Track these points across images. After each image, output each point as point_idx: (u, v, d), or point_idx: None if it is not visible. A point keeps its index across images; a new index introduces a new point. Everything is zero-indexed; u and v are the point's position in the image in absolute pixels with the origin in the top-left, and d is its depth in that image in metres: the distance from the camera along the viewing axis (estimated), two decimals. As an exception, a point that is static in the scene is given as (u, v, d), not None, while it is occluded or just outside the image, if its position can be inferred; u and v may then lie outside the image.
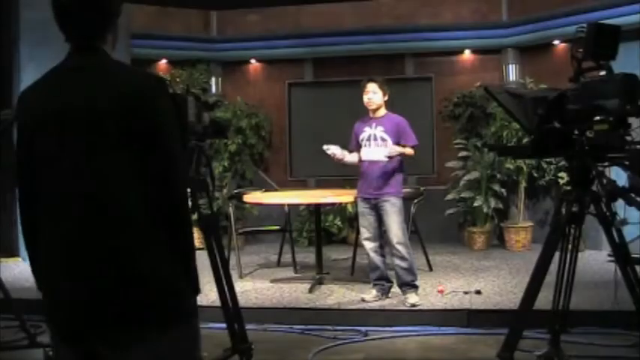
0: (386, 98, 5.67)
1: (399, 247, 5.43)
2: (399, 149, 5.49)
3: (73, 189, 1.91)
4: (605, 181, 3.15)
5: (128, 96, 1.92)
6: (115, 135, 1.89)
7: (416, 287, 5.55)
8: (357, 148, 5.72)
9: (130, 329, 1.89)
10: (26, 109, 2.06)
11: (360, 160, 5.65)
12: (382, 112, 5.66)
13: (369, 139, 5.61)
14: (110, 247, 1.89)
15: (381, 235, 5.60)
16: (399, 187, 5.57)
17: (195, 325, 2.04)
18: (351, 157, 5.73)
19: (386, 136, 5.55)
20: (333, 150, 5.70)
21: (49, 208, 1.95)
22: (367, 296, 5.66)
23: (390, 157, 5.46)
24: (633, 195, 3.06)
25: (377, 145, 5.56)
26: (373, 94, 5.61)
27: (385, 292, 5.67)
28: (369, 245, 5.61)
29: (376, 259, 5.61)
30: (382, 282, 5.67)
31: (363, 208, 5.62)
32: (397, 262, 5.49)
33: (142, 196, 1.91)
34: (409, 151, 5.58)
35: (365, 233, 5.63)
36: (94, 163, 1.90)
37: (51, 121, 1.95)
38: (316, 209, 6.63)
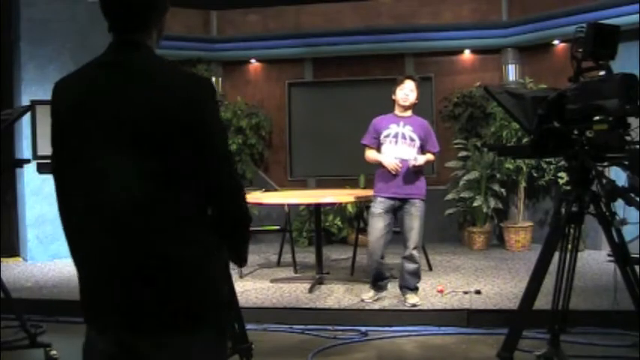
0: (417, 101, 5.58)
1: (414, 252, 5.38)
2: (424, 159, 5.45)
3: (114, 188, 1.83)
4: (604, 181, 3.15)
5: (173, 97, 1.83)
6: (156, 137, 1.81)
7: (417, 288, 5.56)
8: (376, 143, 5.58)
9: (168, 327, 1.86)
10: (58, 101, 1.97)
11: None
12: (410, 112, 5.57)
13: (395, 137, 5.49)
14: (154, 248, 1.84)
15: (391, 239, 5.52)
16: (424, 190, 5.48)
17: (226, 329, 2.05)
18: (381, 156, 5.51)
19: (415, 137, 5.46)
20: (391, 161, 5.43)
21: (88, 204, 1.88)
22: (366, 296, 5.65)
23: (414, 165, 5.37)
24: (633, 195, 3.06)
25: (405, 144, 5.46)
26: (410, 92, 5.51)
27: (382, 289, 5.66)
28: (376, 248, 5.44)
29: (378, 262, 5.52)
30: (379, 282, 5.65)
31: (381, 209, 5.44)
32: (407, 264, 5.43)
33: (189, 199, 1.86)
34: (432, 158, 5.59)
35: (376, 235, 5.43)
36: (136, 164, 1.82)
37: (87, 118, 1.87)
38: (316, 209, 6.63)
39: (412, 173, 5.42)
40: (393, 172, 5.39)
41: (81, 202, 1.89)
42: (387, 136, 5.51)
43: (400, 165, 5.38)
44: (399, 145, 5.48)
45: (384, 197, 5.46)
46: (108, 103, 1.85)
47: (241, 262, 2.07)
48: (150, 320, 1.86)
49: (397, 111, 5.58)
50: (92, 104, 1.87)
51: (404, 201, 5.42)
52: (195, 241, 1.88)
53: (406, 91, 5.52)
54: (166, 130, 1.81)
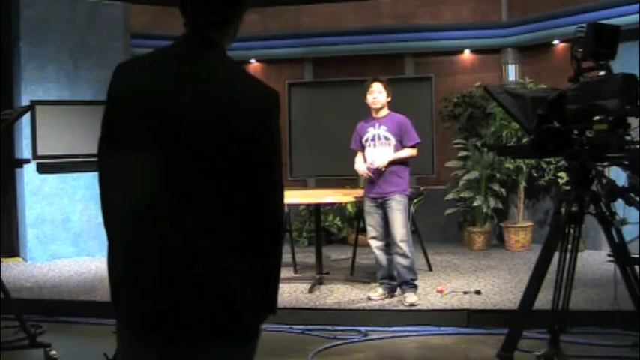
0: (389, 99, 5.70)
1: (402, 245, 5.46)
2: (394, 157, 5.53)
3: (165, 184, 1.76)
4: (604, 181, 3.15)
5: (242, 102, 1.76)
6: (216, 138, 1.74)
7: (415, 287, 5.57)
8: (361, 148, 5.74)
9: (205, 337, 1.80)
10: (119, 86, 1.85)
11: (365, 161, 5.66)
12: (385, 111, 5.69)
13: (373, 139, 5.64)
14: (202, 252, 1.76)
15: (388, 234, 5.60)
16: (404, 186, 5.60)
17: (256, 344, 1.94)
18: (356, 164, 5.73)
19: (389, 135, 5.59)
20: (360, 168, 5.67)
21: (135, 198, 1.79)
22: (373, 294, 5.68)
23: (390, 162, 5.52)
24: (633, 195, 3.06)
25: (381, 145, 5.60)
26: (378, 94, 5.65)
27: (391, 290, 5.68)
28: (375, 244, 5.64)
29: (382, 257, 5.64)
30: (388, 280, 5.68)
31: (369, 207, 5.66)
32: (399, 259, 5.51)
33: (232, 216, 1.77)
34: (406, 154, 5.61)
35: (371, 232, 5.66)
36: (194, 162, 1.74)
37: (149, 109, 1.77)
38: (316, 209, 6.64)
39: (391, 172, 5.54)
40: (367, 178, 5.61)
41: (128, 195, 1.80)
42: (367, 140, 5.69)
43: (369, 172, 5.55)
44: (377, 147, 5.63)
45: (369, 197, 5.69)
46: (173, 98, 1.76)
47: (273, 300, 1.93)
48: (201, 329, 1.79)
49: (373, 113, 5.72)
50: (157, 96, 1.78)
51: (385, 199, 5.55)
52: (241, 248, 1.79)
53: (374, 94, 5.66)
54: (228, 133, 1.74)
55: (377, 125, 5.65)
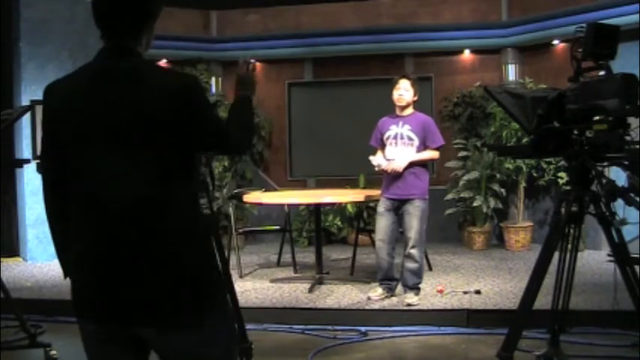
0: (416, 98, 5.59)
1: (413, 251, 5.39)
2: (416, 158, 5.44)
3: (111, 186, 1.97)
4: (604, 181, 3.15)
5: (167, 95, 1.97)
6: (149, 133, 1.96)
7: (418, 289, 5.55)
8: (381, 145, 5.63)
9: (172, 314, 1.97)
10: (52, 104, 2.07)
11: (386, 159, 5.55)
12: (410, 110, 5.58)
13: (395, 138, 5.52)
14: (154, 238, 1.96)
15: (396, 238, 5.53)
16: (424, 189, 5.49)
17: (229, 310, 2.19)
18: (384, 160, 5.58)
19: (413, 135, 5.47)
20: (379, 162, 5.56)
21: (85, 200, 2.02)
22: (373, 294, 5.64)
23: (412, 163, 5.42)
24: (633, 195, 3.06)
25: (404, 145, 5.49)
26: (405, 91, 5.53)
27: (391, 290, 5.65)
28: (381, 246, 5.53)
29: (385, 260, 5.56)
30: (388, 281, 5.65)
31: (384, 208, 5.53)
32: (408, 264, 5.45)
33: (182, 186, 2.02)
34: (428, 155, 5.52)
35: (380, 233, 5.54)
36: (132, 163, 1.96)
37: (84, 122, 1.99)
38: (316, 209, 6.63)
39: (412, 174, 5.43)
40: (389, 172, 5.44)
41: (79, 200, 2.03)
42: (388, 137, 5.56)
43: (388, 170, 5.43)
44: (398, 146, 5.51)
45: (385, 197, 5.54)
46: (104, 107, 1.97)
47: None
48: (156, 312, 1.97)
49: (397, 111, 5.60)
50: (88, 108, 1.99)
51: (403, 201, 5.44)
52: (195, 229, 2.03)
53: (400, 91, 5.54)
54: (160, 122, 1.96)
55: (400, 123, 5.53)
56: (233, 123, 2.20)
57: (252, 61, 2.45)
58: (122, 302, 1.95)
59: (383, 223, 5.53)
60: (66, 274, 2.14)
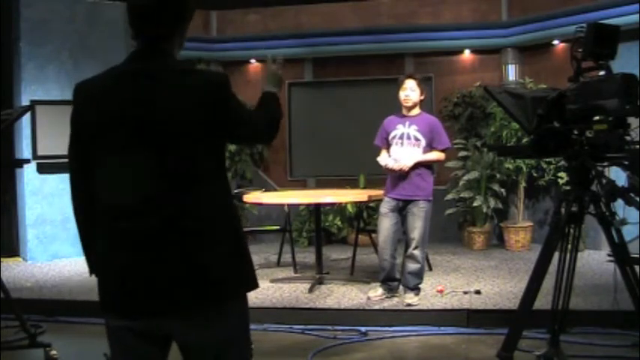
0: (422, 97, 5.57)
1: (416, 252, 5.37)
2: (422, 159, 5.41)
3: (138, 187, 2.02)
4: (604, 181, 3.15)
5: (198, 93, 2.04)
6: (181, 134, 2.01)
7: (419, 290, 5.55)
8: (386, 145, 5.60)
9: (197, 304, 2.01)
10: (83, 104, 2.11)
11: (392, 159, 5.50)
12: (416, 110, 5.56)
13: (401, 138, 5.49)
14: (182, 233, 2.01)
15: (399, 238, 5.52)
16: (428, 191, 5.46)
17: (246, 300, 2.20)
18: (390, 159, 5.53)
19: (419, 136, 5.44)
20: (386, 161, 5.50)
21: (111, 199, 2.06)
22: (373, 294, 5.64)
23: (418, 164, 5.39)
24: (633, 195, 3.06)
25: (410, 145, 5.46)
26: (411, 92, 5.50)
27: (392, 290, 5.65)
28: (384, 247, 5.50)
29: (388, 262, 5.53)
30: (390, 282, 5.64)
31: (387, 208, 5.50)
32: (409, 264, 5.43)
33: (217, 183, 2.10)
34: (434, 156, 5.49)
35: (383, 234, 5.50)
36: (166, 161, 2.01)
37: (116, 122, 2.03)
38: (316, 209, 6.63)
39: (416, 175, 5.41)
40: (396, 170, 5.40)
41: (104, 198, 2.06)
42: (394, 137, 5.53)
43: (393, 169, 5.39)
44: (404, 146, 5.48)
45: (389, 197, 5.52)
46: (137, 109, 2.01)
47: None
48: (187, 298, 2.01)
49: (404, 111, 5.59)
50: (116, 107, 2.03)
51: (408, 202, 5.43)
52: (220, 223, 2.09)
53: (407, 92, 5.51)
54: (190, 121, 2.02)
55: (407, 123, 5.50)
56: (260, 116, 2.29)
57: (280, 59, 2.50)
58: (151, 295, 2.00)
59: (386, 223, 5.50)
60: (92, 271, 2.19)
